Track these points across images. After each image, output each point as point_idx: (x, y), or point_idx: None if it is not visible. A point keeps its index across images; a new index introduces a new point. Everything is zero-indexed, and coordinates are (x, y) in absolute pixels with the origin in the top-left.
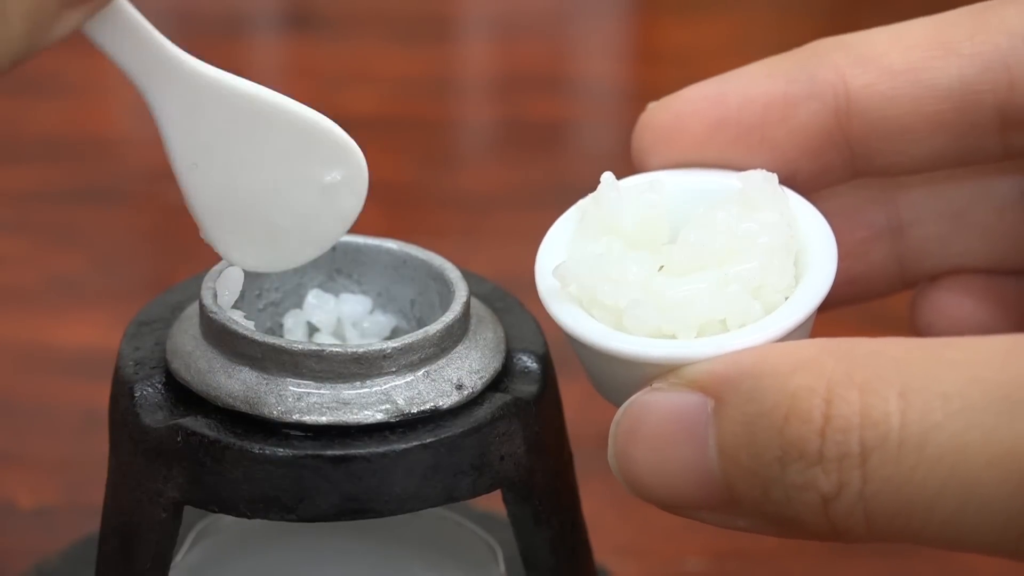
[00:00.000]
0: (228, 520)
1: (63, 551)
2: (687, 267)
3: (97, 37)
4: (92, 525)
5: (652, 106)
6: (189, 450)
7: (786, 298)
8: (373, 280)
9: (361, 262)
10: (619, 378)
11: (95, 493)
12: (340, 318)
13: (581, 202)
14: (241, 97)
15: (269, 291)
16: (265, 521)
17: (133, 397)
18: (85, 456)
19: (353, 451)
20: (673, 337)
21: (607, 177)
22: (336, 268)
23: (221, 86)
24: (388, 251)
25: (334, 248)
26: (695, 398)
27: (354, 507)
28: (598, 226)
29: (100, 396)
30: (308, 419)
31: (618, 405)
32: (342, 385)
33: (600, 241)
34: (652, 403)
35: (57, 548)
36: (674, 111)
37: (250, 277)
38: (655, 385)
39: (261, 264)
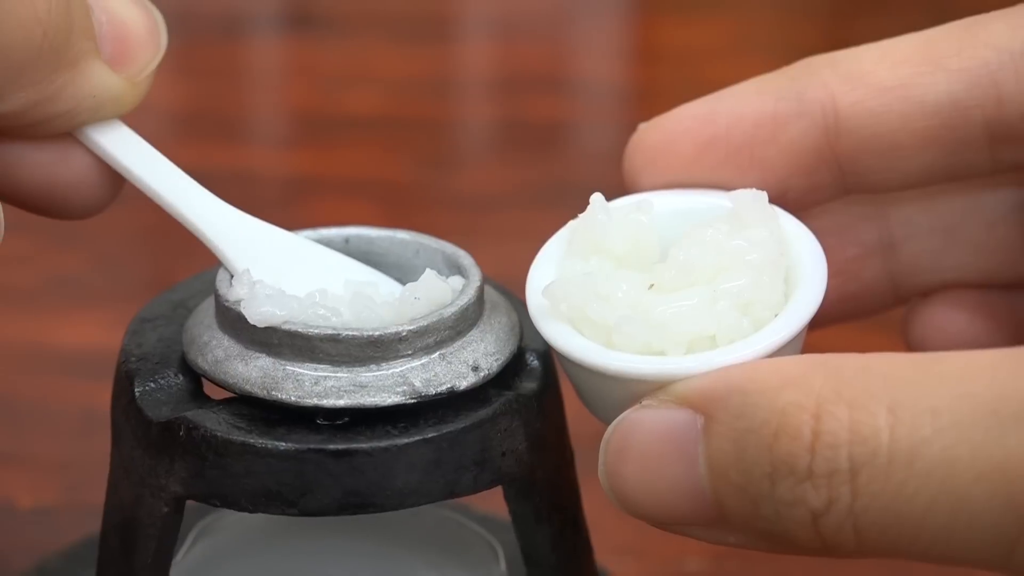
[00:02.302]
0: (229, 518)
1: (63, 551)
2: (676, 284)
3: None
4: (92, 525)
5: (643, 127)
6: (191, 444)
7: (776, 315)
8: (387, 270)
9: (375, 252)
10: (609, 395)
11: (95, 493)
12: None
13: (571, 223)
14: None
15: None
16: (266, 519)
17: (136, 392)
18: (85, 456)
19: (355, 445)
20: (662, 354)
21: (596, 198)
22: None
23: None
24: (401, 241)
25: (347, 240)
26: (684, 415)
27: (356, 501)
28: (587, 247)
29: (100, 396)
30: (326, 403)
31: (608, 423)
32: (359, 368)
33: (590, 261)
34: (641, 420)
35: (57, 548)
36: (664, 131)
37: None
38: (644, 402)
39: None
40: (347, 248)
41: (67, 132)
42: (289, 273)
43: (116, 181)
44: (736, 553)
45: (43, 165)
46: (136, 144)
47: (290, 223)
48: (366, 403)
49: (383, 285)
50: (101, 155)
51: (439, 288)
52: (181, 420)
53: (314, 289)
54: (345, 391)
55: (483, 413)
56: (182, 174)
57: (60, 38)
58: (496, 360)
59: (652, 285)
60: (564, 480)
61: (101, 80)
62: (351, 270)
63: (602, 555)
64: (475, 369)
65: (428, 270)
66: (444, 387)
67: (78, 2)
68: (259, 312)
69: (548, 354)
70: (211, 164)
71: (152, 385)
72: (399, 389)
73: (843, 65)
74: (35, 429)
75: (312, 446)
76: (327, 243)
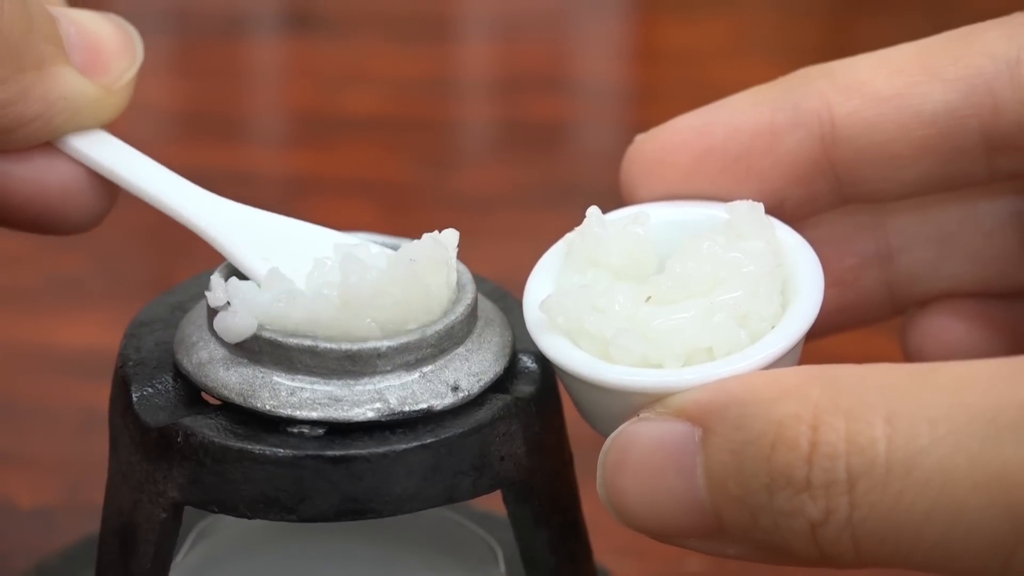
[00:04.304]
0: (228, 520)
1: (63, 551)
2: (673, 297)
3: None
4: (92, 525)
5: (639, 138)
6: (189, 450)
7: (772, 326)
8: None
9: None
10: (606, 408)
11: (95, 493)
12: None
13: (568, 236)
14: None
15: None
16: (265, 522)
17: (133, 397)
18: (85, 456)
19: (353, 451)
20: (660, 366)
21: (592, 211)
22: None
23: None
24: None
25: None
26: (682, 427)
27: (354, 507)
28: (584, 259)
29: (100, 396)
30: (299, 414)
31: (606, 435)
32: (336, 382)
33: (587, 274)
34: (639, 433)
35: (57, 548)
36: (661, 143)
37: None
38: (642, 415)
39: None
40: None
41: (48, 141)
42: (283, 252)
43: (108, 189)
44: None
45: (29, 178)
46: (119, 147)
47: None
48: (338, 417)
49: (374, 247)
50: (85, 161)
51: (436, 255)
52: (178, 426)
53: (272, 267)
54: (319, 403)
55: (481, 418)
56: (168, 171)
57: (18, 37)
58: (479, 381)
59: (649, 297)
60: (563, 483)
61: (71, 83)
62: (340, 239)
63: (603, 555)
64: (455, 389)
65: (426, 235)
66: (420, 406)
67: (38, 10)
68: (231, 327)
69: (546, 357)
70: (211, 164)
71: (149, 390)
72: (374, 406)
73: (839, 75)
74: (35, 429)
75: (310, 452)
76: None
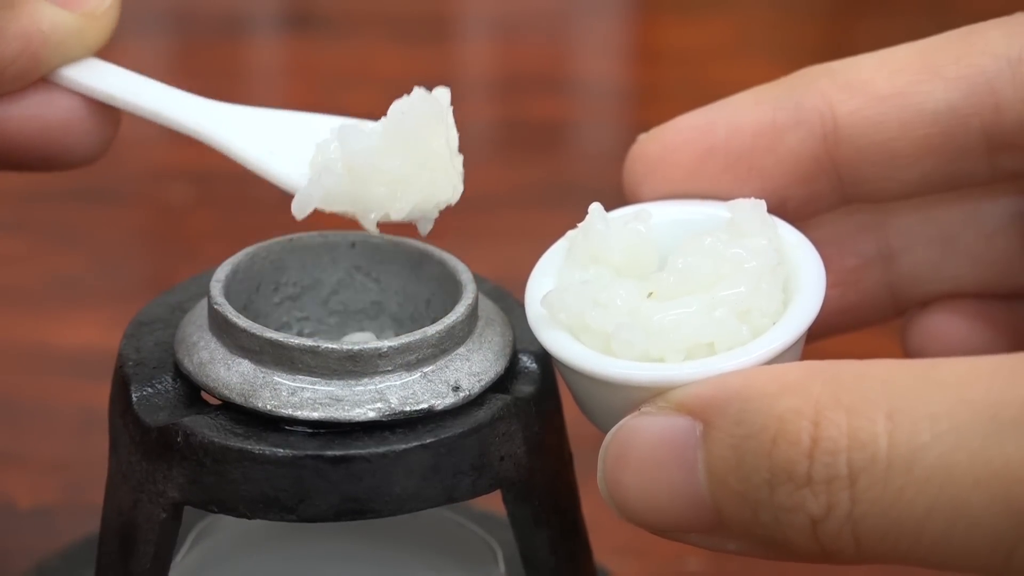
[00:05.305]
0: (228, 520)
1: (63, 551)
2: (675, 292)
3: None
4: (92, 525)
5: (642, 137)
6: (189, 450)
7: (774, 323)
8: (391, 278)
9: (380, 260)
10: (607, 403)
11: (95, 493)
12: None
13: (570, 233)
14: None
15: (287, 285)
16: (265, 522)
17: (133, 397)
18: (85, 456)
19: (353, 451)
20: (661, 361)
21: (595, 208)
22: (355, 266)
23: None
24: (406, 250)
25: (352, 244)
26: (683, 422)
27: (354, 507)
28: (586, 256)
29: (100, 396)
30: (300, 414)
31: (607, 431)
32: (337, 382)
33: (588, 270)
34: (640, 427)
35: (57, 548)
36: (664, 142)
37: (268, 271)
38: (643, 409)
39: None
40: (353, 252)
41: (40, 77)
42: (285, 143)
43: (109, 116)
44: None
45: (29, 116)
46: (114, 71)
47: (291, 224)
48: (340, 417)
49: (371, 123)
50: (81, 90)
51: (427, 106)
52: (178, 426)
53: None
54: (320, 403)
55: (481, 418)
56: (163, 85)
57: None
58: (479, 381)
59: (651, 293)
60: (563, 483)
61: (48, 16)
62: (339, 122)
63: (602, 555)
64: (456, 389)
65: (416, 89)
66: (422, 406)
67: None
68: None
69: (546, 357)
70: (211, 164)
71: (149, 390)
72: (375, 406)
73: (841, 74)
74: (35, 429)
75: (310, 452)
76: (333, 246)
